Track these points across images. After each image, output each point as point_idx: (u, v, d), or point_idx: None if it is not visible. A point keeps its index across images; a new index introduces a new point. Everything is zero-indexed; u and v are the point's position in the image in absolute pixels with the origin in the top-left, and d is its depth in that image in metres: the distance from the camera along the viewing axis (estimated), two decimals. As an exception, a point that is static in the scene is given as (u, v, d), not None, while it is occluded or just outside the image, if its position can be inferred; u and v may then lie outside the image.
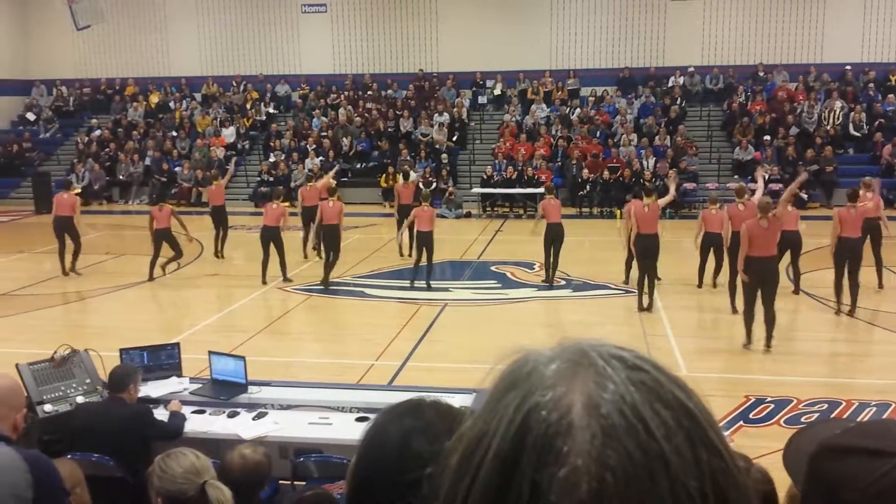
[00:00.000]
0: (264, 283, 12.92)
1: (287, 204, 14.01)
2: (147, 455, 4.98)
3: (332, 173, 16.23)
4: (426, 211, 12.64)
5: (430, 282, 12.70)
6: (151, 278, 13.33)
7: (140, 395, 5.58)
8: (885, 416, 7.12)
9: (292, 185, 21.72)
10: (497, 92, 25.83)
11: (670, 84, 24.99)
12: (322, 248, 13.36)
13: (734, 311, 10.76)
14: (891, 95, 23.12)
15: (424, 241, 12.56)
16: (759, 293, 9.20)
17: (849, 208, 10.64)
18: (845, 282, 10.70)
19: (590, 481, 0.55)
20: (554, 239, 12.54)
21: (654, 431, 0.57)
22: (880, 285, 12.02)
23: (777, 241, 9.41)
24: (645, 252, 11.08)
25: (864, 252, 11.00)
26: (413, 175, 16.42)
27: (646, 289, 11.09)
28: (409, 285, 12.68)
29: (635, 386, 0.59)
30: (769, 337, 9.24)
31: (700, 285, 12.17)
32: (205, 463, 3.48)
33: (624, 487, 0.55)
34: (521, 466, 0.57)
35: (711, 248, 11.82)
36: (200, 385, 6.11)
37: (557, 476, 0.55)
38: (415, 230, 12.85)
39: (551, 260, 12.67)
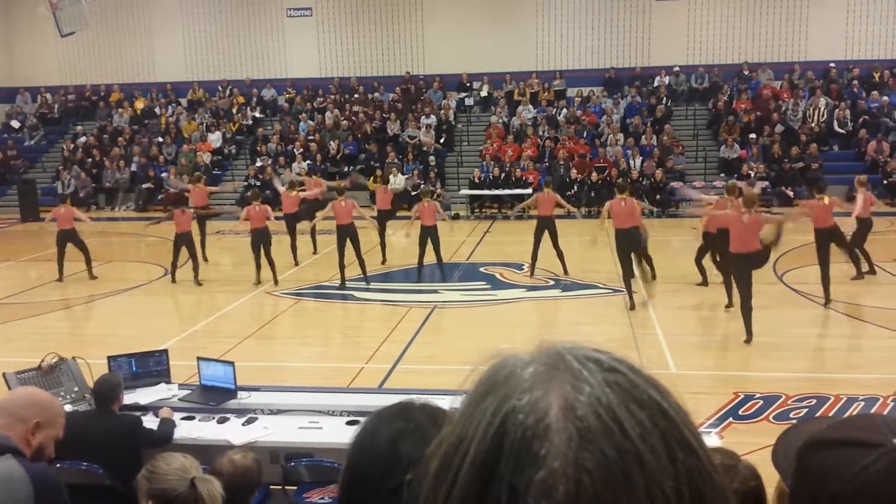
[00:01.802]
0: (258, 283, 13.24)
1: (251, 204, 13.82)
2: (137, 464, 4.96)
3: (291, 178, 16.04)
4: (428, 206, 13.04)
5: (443, 276, 13.31)
6: (193, 278, 13.62)
7: (129, 402, 5.56)
8: (872, 411, 7.16)
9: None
10: (484, 94, 25.86)
11: (656, 84, 25.09)
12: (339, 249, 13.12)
13: (730, 305, 10.78)
14: (875, 92, 23.29)
15: (430, 235, 13.00)
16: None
17: (819, 200, 10.97)
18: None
19: (567, 483, 0.55)
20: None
21: (630, 432, 0.57)
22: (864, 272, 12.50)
23: (758, 237, 9.44)
24: (621, 247, 11.19)
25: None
26: (393, 180, 16.42)
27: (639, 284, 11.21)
28: (415, 286, 13.00)
29: (611, 388, 0.60)
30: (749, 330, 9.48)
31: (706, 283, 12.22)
32: (194, 462, 3.47)
33: (600, 489, 0.55)
34: (499, 470, 0.57)
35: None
36: (189, 391, 6.09)
37: (535, 479, 0.56)
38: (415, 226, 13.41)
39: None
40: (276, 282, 13.11)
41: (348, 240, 12.82)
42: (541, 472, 0.56)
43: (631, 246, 11.13)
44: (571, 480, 0.55)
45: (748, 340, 9.40)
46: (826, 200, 11.30)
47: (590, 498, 0.55)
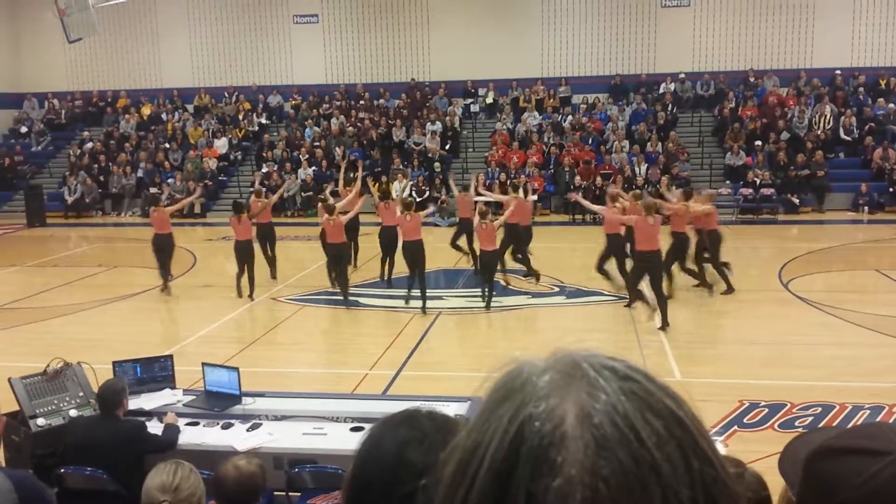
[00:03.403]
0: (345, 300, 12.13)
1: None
2: (141, 469, 4.97)
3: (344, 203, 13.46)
4: (487, 228, 11.62)
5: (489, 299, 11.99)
6: (246, 296, 12.57)
7: (133, 407, 5.56)
8: (878, 419, 7.13)
9: (284, 195, 21.65)
10: (489, 100, 25.89)
11: (661, 91, 25.09)
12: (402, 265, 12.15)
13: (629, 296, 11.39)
14: (881, 99, 23.27)
15: (491, 262, 11.91)
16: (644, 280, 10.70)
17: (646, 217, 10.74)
18: None
19: (583, 491, 0.56)
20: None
21: (646, 441, 0.58)
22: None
23: (658, 237, 10.44)
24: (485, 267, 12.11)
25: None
26: (398, 186, 15.87)
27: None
28: (419, 292, 12.35)
29: (627, 396, 0.60)
30: (664, 315, 10.43)
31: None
32: (181, 483, 3.48)
33: (617, 497, 0.56)
34: (516, 477, 0.58)
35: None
36: (194, 397, 6.10)
37: (552, 486, 0.56)
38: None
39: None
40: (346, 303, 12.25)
41: (415, 259, 11.73)
42: (558, 479, 0.56)
43: (492, 267, 11.96)
44: (588, 488, 0.56)
45: (629, 305, 10.98)
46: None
47: None
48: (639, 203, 11.55)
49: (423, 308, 11.61)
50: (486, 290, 11.82)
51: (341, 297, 12.18)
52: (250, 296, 12.60)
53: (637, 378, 0.62)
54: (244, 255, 12.50)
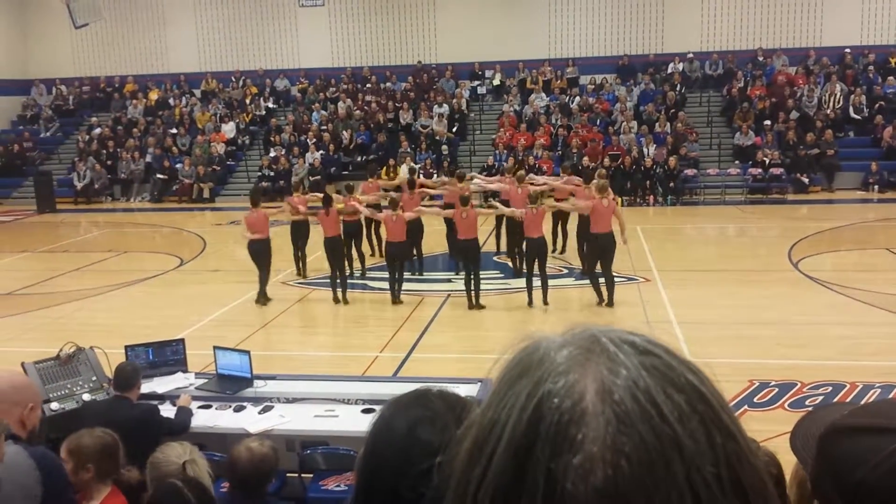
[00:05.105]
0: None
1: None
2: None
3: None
4: (537, 213, 10.75)
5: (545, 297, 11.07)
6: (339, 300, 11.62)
7: (146, 391, 5.60)
8: (890, 397, 7.11)
9: (293, 179, 21.62)
10: (496, 82, 25.77)
11: (669, 71, 24.91)
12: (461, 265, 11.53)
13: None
14: (891, 78, 23.04)
15: (537, 250, 10.86)
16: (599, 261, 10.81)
17: (601, 199, 10.72)
18: None
19: (605, 468, 0.55)
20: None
21: (668, 416, 0.56)
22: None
23: (610, 219, 10.64)
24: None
25: None
26: (404, 168, 15.50)
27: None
28: (430, 275, 12.26)
29: (648, 371, 0.59)
30: (610, 296, 10.80)
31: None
32: (188, 448, 3.84)
33: (639, 473, 0.55)
34: (535, 454, 0.57)
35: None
36: (206, 380, 6.14)
37: (572, 463, 0.55)
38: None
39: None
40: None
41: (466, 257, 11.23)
42: (578, 456, 0.55)
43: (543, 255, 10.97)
44: (610, 465, 0.55)
45: (600, 303, 10.79)
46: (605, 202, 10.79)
47: (629, 482, 0.54)
48: (592, 186, 11.43)
49: (478, 301, 11.08)
50: (542, 284, 10.89)
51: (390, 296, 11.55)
52: (343, 298, 11.63)
53: (658, 353, 0.61)
54: (336, 253, 11.53)
